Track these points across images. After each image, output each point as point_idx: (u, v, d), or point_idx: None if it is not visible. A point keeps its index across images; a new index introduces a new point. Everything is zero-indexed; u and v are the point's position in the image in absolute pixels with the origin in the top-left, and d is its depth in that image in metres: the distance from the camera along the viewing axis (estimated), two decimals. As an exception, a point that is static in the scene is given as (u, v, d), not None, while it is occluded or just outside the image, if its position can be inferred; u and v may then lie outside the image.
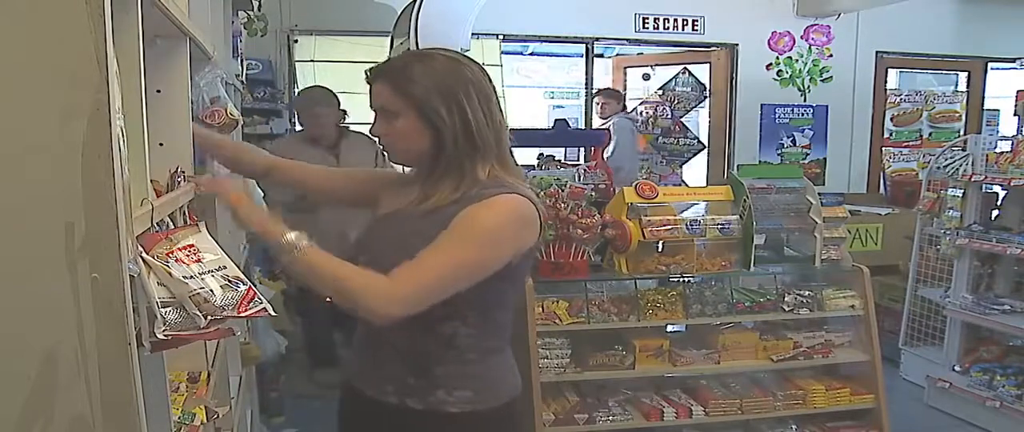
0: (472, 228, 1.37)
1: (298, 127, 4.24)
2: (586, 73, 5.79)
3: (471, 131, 1.41)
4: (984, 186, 3.96)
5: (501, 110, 1.49)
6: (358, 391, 1.53)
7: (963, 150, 4.35)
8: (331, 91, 3.93)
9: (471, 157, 1.43)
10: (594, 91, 5.68)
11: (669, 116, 5.83)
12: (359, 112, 3.78)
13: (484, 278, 1.38)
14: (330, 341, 4.01)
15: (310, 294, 3.68)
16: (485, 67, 1.52)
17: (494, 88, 1.48)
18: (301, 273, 1.36)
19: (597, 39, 5.67)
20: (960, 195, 3.99)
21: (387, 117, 1.45)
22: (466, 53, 1.58)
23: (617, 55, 6.02)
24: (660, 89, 5.83)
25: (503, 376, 1.53)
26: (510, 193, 1.41)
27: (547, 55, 7.13)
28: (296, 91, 5.07)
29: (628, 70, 5.95)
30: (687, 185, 5.50)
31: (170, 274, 1.07)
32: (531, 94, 8.25)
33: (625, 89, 6.05)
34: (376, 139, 1.49)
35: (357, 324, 1.56)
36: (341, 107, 3.90)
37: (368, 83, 1.48)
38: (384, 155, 1.59)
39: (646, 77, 5.90)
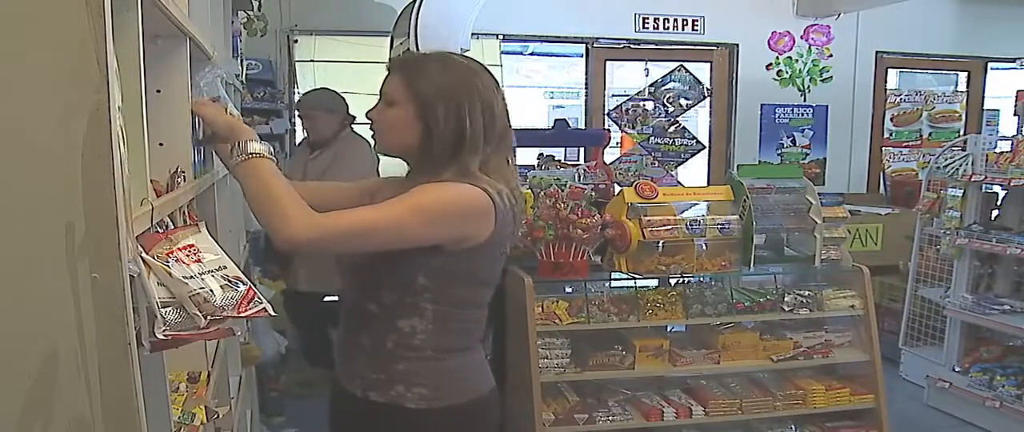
0: (412, 196, 1.42)
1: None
2: (586, 73, 5.78)
3: (463, 139, 1.46)
4: (984, 186, 3.96)
5: (508, 123, 1.54)
6: (336, 383, 1.61)
7: (963, 150, 4.35)
8: (335, 94, 3.79)
9: (454, 160, 1.47)
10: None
11: (664, 115, 5.79)
12: (357, 113, 3.75)
13: (407, 248, 1.42)
14: (326, 343, 3.94)
15: (304, 298, 3.66)
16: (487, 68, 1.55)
17: (503, 101, 1.53)
18: (245, 178, 1.39)
19: (597, 39, 5.67)
20: (960, 195, 3.99)
21: (387, 104, 1.51)
22: (465, 53, 1.60)
23: (597, 47, 5.80)
24: (651, 86, 5.81)
25: (465, 376, 1.56)
26: (472, 185, 1.45)
27: (547, 55, 7.11)
28: (297, 91, 5.06)
29: (608, 63, 5.87)
30: (683, 186, 5.47)
31: (170, 274, 1.07)
32: (531, 94, 8.24)
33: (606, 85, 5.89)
34: (370, 122, 1.55)
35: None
36: (347, 112, 3.72)
37: (388, 71, 1.54)
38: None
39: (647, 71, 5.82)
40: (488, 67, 1.56)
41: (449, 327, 1.52)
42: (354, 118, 3.73)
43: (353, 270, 1.56)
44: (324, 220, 1.38)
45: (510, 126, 1.55)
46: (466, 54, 1.69)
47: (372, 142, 1.58)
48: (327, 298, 3.68)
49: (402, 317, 1.49)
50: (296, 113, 3.95)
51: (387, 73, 1.54)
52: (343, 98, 3.75)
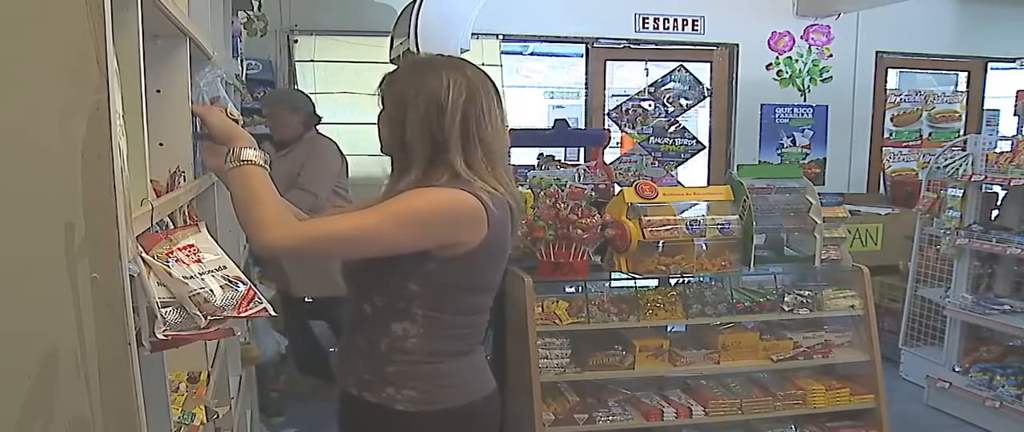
0: (394, 203, 1.42)
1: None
2: (586, 73, 5.78)
3: (403, 132, 1.46)
4: (984, 186, 3.96)
5: (480, 124, 1.46)
6: (339, 382, 1.62)
7: (963, 150, 4.35)
8: (301, 94, 3.77)
9: (403, 156, 1.48)
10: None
11: (664, 115, 5.79)
12: (357, 113, 3.74)
13: (394, 254, 1.42)
14: (314, 348, 3.93)
15: (290, 307, 3.65)
16: (485, 69, 1.54)
17: (481, 103, 1.47)
18: (233, 183, 1.41)
19: (597, 39, 5.67)
20: (960, 195, 3.99)
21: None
22: (464, 53, 1.60)
23: (597, 47, 5.80)
24: (651, 86, 5.81)
25: (459, 381, 1.54)
26: (459, 189, 1.43)
27: (547, 55, 7.11)
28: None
29: (608, 63, 5.87)
30: (683, 186, 5.46)
31: (170, 274, 1.07)
32: (531, 94, 8.24)
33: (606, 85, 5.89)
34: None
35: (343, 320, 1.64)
36: (313, 112, 3.65)
37: None
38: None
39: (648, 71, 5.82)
40: (479, 68, 1.52)
41: (442, 332, 1.50)
42: (320, 119, 3.70)
43: (351, 272, 1.56)
44: (303, 228, 1.41)
45: (486, 128, 1.47)
46: (463, 55, 1.68)
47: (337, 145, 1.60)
48: (306, 299, 3.66)
49: (395, 320, 1.49)
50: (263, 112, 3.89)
51: None
52: (309, 98, 3.72)
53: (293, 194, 3.35)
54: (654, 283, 3.04)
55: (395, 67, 1.58)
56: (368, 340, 1.52)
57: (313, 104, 3.70)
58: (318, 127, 3.71)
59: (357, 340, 1.55)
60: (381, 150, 1.56)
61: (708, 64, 5.93)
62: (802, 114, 5.99)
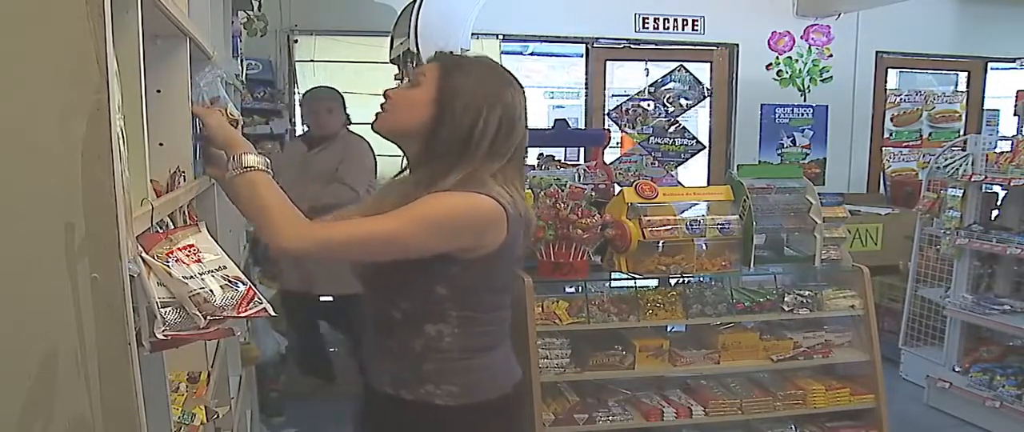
0: (415, 207, 1.41)
1: (301, 127, 4.17)
2: (586, 73, 5.79)
3: (470, 139, 1.45)
4: (984, 186, 3.96)
5: (520, 142, 1.52)
6: (366, 382, 1.62)
7: (963, 150, 4.35)
8: (338, 92, 3.86)
9: (457, 157, 1.45)
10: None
11: (664, 115, 5.79)
12: (357, 112, 3.77)
13: (417, 258, 1.41)
14: (319, 347, 3.95)
15: (294, 298, 3.66)
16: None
17: (526, 120, 1.53)
18: (242, 190, 1.40)
19: (597, 39, 5.67)
20: (960, 195, 3.99)
21: (412, 85, 1.51)
22: (465, 53, 1.59)
23: (597, 47, 5.80)
24: (651, 86, 5.81)
25: (492, 373, 1.57)
26: (478, 193, 1.43)
27: (547, 55, 7.11)
28: (296, 91, 5.07)
29: (608, 63, 5.88)
30: (683, 186, 5.46)
31: (170, 274, 1.07)
32: (531, 94, 8.23)
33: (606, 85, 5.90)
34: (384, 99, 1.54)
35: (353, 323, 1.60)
36: (346, 109, 3.81)
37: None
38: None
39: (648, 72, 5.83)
40: (525, 95, 1.55)
41: (475, 330, 1.53)
42: (350, 117, 3.81)
43: (368, 277, 1.56)
44: (317, 231, 1.40)
45: (515, 140, 1.51)
46: (463, 51, 1.68)
47: (373, 119, 1.55)
48: (322, 298, 3.68)
49: (428, 322, 1.49)
50: (303, 106, 3.97)
51: (426, 62, 1.56)
52: (340, 93, 3.84)
53: (334, 188, 3.41)
54: (654, 283, 3.04)
55: (452, 56, 1.54)
56: (399, 342, 1.52)
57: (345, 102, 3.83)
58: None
59: (387, 343, 1.55)
60: (374, 125, 1.53)
61: (708, 64, 5.94)
62: (802, 114, 6.00)
